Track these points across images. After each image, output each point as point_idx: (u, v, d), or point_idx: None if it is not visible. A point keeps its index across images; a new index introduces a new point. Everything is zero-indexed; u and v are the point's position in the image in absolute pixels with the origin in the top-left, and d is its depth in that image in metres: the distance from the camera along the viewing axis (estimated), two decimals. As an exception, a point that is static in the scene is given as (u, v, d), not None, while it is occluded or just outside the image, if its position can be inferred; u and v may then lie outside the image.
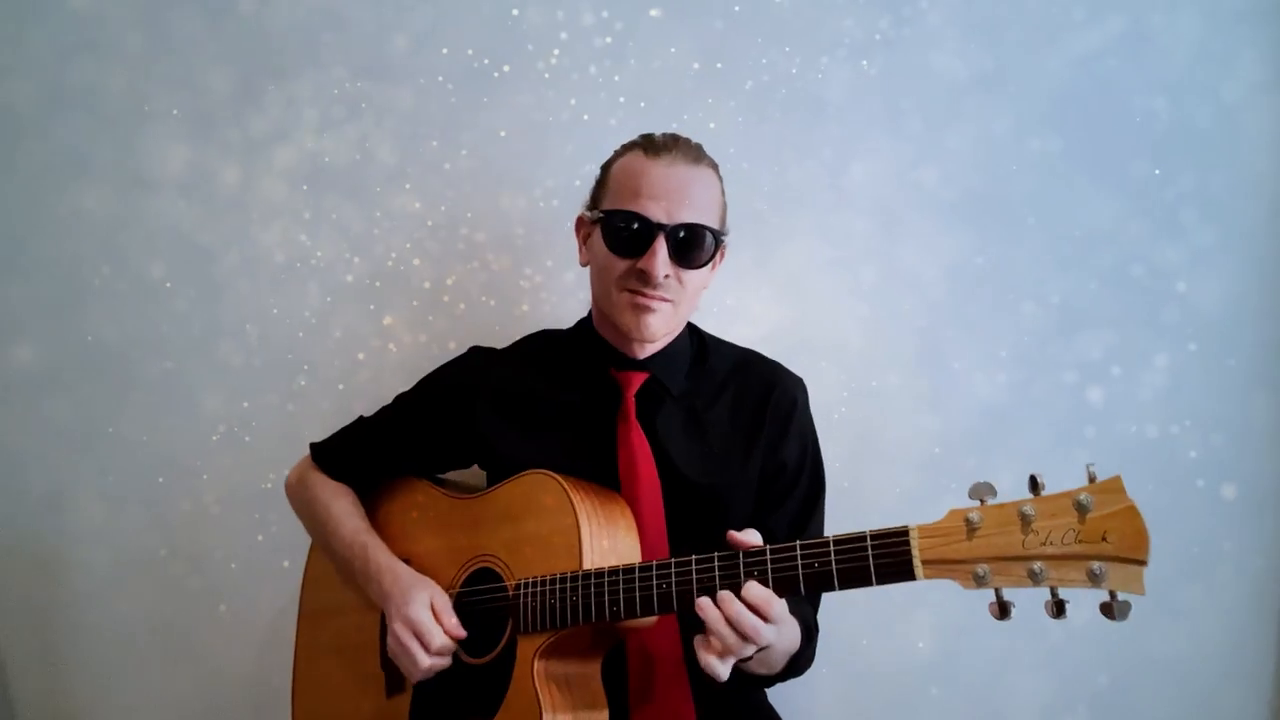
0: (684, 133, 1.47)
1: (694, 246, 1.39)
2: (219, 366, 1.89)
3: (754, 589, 1.19)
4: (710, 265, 1.44)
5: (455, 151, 1.84)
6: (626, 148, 1.46)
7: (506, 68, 1.83)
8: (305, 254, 1.87)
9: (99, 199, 1.89)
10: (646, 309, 1.40)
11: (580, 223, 1.51)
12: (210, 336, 1.89)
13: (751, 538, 1.24)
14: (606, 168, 1.48)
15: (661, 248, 1.37)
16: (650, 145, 1.42)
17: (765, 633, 1.19)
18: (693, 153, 1.42)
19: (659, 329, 1.43)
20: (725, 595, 1.20)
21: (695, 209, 1.39)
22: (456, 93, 1.83)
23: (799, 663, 1.43)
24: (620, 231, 1.39)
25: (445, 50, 1.83)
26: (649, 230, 1.37)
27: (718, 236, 1.42)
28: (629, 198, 1.39)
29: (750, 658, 1.24)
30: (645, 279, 1.38)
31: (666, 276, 1.38)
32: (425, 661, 1.37)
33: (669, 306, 1.42)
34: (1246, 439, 1.75)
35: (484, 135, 1.83)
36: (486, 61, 1.83)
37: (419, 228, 1.85)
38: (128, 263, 1.90)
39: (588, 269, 1.50)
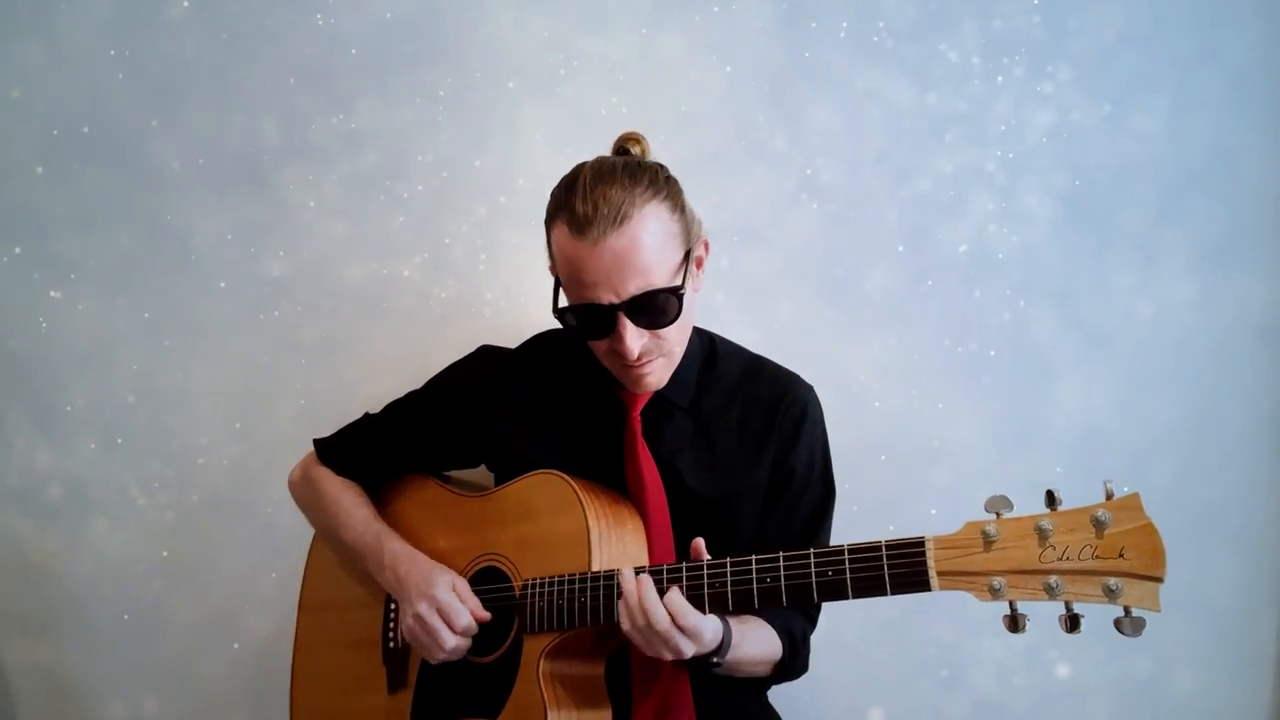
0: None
1: (653, 311, 1.32)
2: (221, 369, 1.88)
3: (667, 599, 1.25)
4: (685, 295, 1.34)
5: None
6: (556, 211, 1.35)
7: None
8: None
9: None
10: (641, 374, 1.38)
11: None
12: (213, 340, 1.88)
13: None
14: (548, 232, 1.38)
15: (626, 325, 1.31)
16: (573, 219, 1.30)
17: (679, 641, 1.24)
18: (614, 211, 1.29)
19: (659, 381, 1.41)
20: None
21: (640, 275, 1.30)
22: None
23: (789, 671, 1.47)
24: (582, 324, 1.35)
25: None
26: (606, 314, 1.31)
27: (675, 291, 1.32)
28: (574, 288, 1.33)
29: (711, 662, 1.31)
30: (625, 355, 1.34)
31: (643, 343, 1.34)
32: (451, 641, 1.36)
33: (661, 360, 1.39)
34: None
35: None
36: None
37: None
38: (130, 260, 1.89)
39: None
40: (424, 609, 1.37)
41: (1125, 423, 1.78)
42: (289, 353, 1.88)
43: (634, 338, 1.32)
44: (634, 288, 1.30)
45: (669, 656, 1.26)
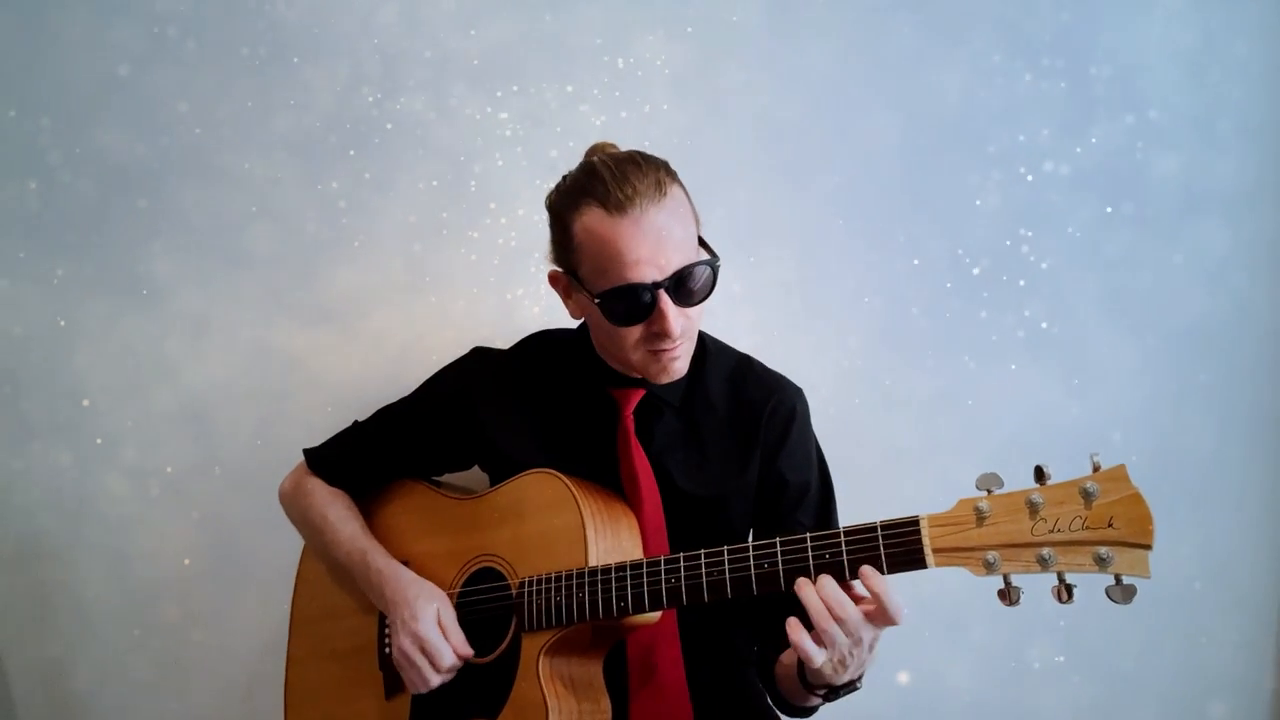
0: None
1: (693, 286, 1.33)
2: (221, 376, 1.89)
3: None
4: (719, 267, 1.36)
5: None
6: (579, 198, 1.32)
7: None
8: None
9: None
10: (673, 358, 1.38)
11: (555, 279, 1.43)
12: (218, 350, 1.89)
13: None
14: (565, 223, 1.35)
15: (668, 304, 1.30)
16: (609, 200, 1.28)
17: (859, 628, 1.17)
18: (651, 185, 1.30)
19: (683, 369, 1.42)
20: (823, 578, 1.17)
21: (681, 248, 1.31)
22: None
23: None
24: (621, 309, 1.32)
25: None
26: (650, 294, 1.30)
27: (710, 264, 1.34)
28: (614, 270, 1.30)
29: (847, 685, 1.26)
30: (664, 337, 1.33)
31: (681, 322, 1.34)
32: (434, 680, 1.39)
33: (686, 344, 1.39)
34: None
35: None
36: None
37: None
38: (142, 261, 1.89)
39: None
40: (408, 645, 1.39)
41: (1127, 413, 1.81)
42: (315, 352, 1.89)
43: (675, 316, 1.32)
44: (677, 261, 1.30)
45: (850, 668, 1.21)
